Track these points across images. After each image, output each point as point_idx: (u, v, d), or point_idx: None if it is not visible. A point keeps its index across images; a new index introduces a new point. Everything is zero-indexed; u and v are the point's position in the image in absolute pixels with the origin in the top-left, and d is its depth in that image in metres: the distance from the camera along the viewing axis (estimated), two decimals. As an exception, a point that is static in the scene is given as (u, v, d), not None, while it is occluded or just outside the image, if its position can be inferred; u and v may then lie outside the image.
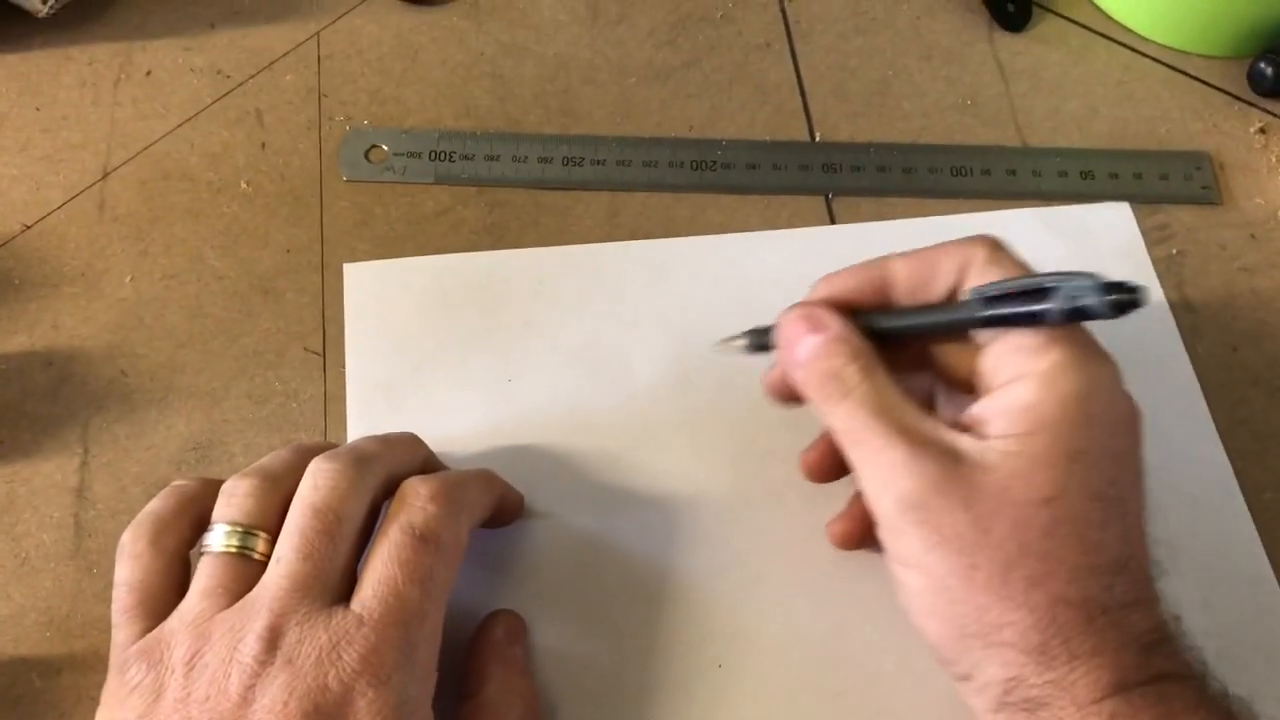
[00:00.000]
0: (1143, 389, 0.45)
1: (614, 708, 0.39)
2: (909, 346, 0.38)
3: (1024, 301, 0.33)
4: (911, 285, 0.37)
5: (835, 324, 0.36)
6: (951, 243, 0.36)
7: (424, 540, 0.33)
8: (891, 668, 0.40)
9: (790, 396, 0.40)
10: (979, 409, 0.34)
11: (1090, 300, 0.32)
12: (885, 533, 0.34)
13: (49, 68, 0.53)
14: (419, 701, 0.32)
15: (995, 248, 0.36)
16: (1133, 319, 0.47)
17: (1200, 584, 0.42)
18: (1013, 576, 0.31)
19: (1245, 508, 0.44)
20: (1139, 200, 0.51)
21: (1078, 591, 0.31)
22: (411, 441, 0.39)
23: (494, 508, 0.39)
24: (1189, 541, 0.43)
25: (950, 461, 0.32)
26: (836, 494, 0.41)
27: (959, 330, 0.35)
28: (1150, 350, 0.47)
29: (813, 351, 0.36)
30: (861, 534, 0.40)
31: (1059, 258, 0.49)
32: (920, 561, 0.33)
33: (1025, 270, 0.35)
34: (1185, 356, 0.47)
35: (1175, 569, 0.42)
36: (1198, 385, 0.46)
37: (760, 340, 0.40)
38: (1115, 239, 0.50)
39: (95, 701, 0.33)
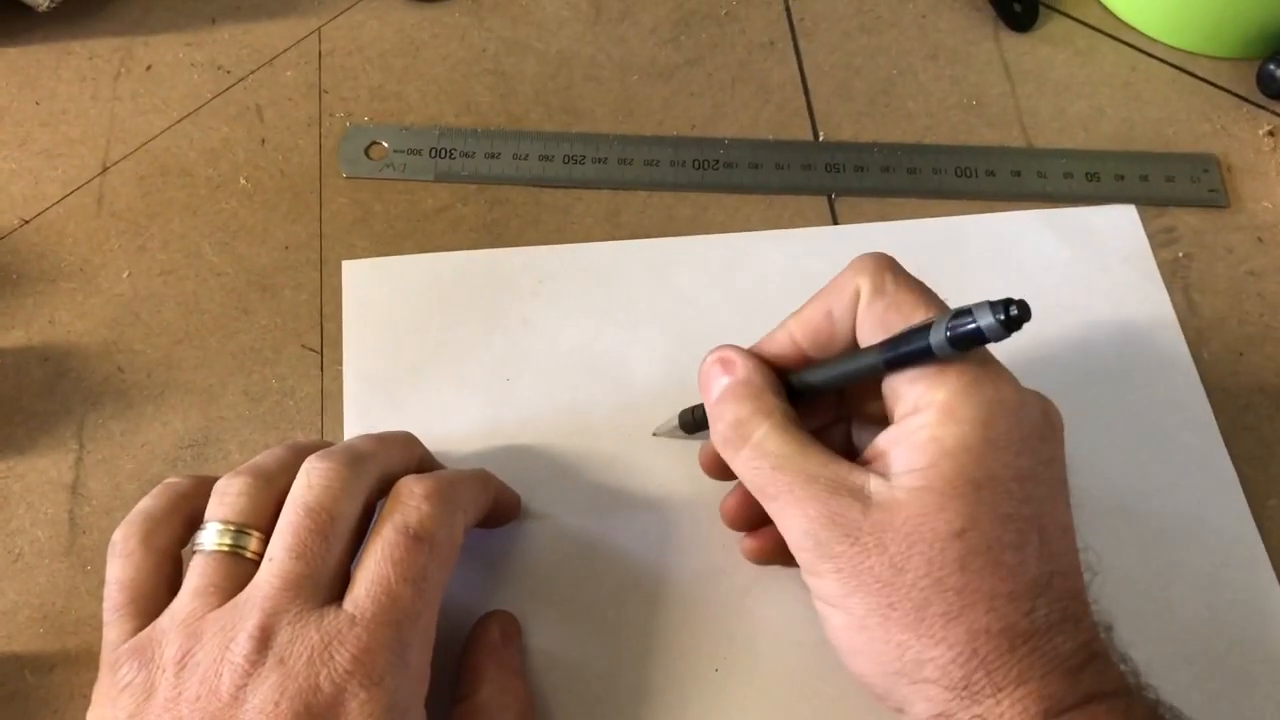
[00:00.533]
0: (1147, 393, 0.46)
1: (610, 711, 0.39)
2: (825, 394, 0.37)
3: (915, 339, 0.32)
4: (813, 342, 0.36)
5: (743, 367, 0.36)
6: (837, 280, 0.36)
7: (418, 539, 0.33)
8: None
9: (723, 470, 0.39)
10: (883, 441, 0.33)
11: (976, 323, 0.31)
12: (806, 575, 0.34)
13: (49, 62, 0.53)
14: (412, 702, 0.32)
15: (879, 272, 0.35)
16: (1137, 323, 0.47)
17: (1204, 590, 0.42)
18: (929, 613, 0.31)
19: (1249, 513, 0.43)
20: (1145, 202, 0.51)
21: (997, 621, 0.31)
22: (407, 440, 0.39)
23: (490, 508, 0.39)
24: (1192, 547, 0.42)
25: (859, 505, 0.32)
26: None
27: (868, 376, 0.35)
28: (1155, 355, 0.47)
29: (717, 395, 0.36)
30: (774, 550, 0.40)
31: (1064, 260, 0.49)
32: (841, 603, 0.33)
33: (911, 287, 0.34)
34: (1190, 361, 0.47)
35: (1178, 575, 0.42)
36: (1203, 390, 0.46)
37: (690, 417, 0.41)
38: (1121, 241, 0.50)
39: (88, 699, 0.33)
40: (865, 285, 0.35)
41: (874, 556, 0.31)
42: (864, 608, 0.32)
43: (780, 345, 0.37)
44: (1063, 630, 0.31)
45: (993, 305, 0.31)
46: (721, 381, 0.36)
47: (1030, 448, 0.33)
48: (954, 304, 0.33)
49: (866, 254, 0.36)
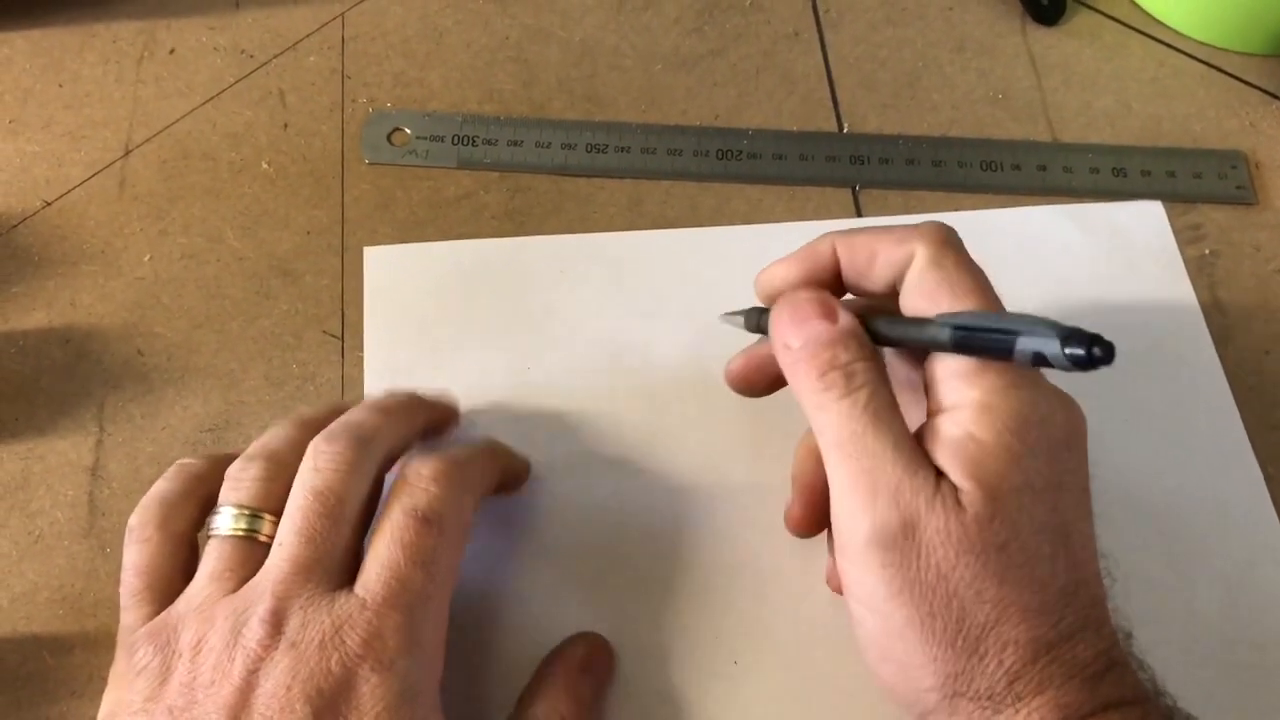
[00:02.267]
0: (1172, 392, 0.45)
1: (627, 702, 0.39)
2: None
3: (996, 338, 0.31)
4: (849, 272, 0.36)
5: (849, 318, 0.34)
6: (897, 230, 0.35)
7: (426, 522, 0.33)
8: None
9: (754, 384, 0.39)
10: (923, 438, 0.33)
11: (1061, 351, 0.29)
12: (849, 564, 0.32)
13: (73, 44, 0.53)
14: (424, 685, 0.32)
15: (941, 245, 0.34)
16: (1162, 319, 0.47)
17: (1227, 590, 0.41)
18: (965, 625, 0.30)
19: (1275, 512, 0.43)
20: (1171, 199, 0.50)
21: (1026, 632, 0.30)
22: (411, 407, 0.39)
23: (499, 480, 0.39)
24: (1216, 547, 0.42)
25: (927, 499, 0.31)
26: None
27: (925, 346, 0.33)
28: (1180, 353, 0.46)
29: (823, 337, 0.34)
30: (819, 519, 0.39)
31: (1089, 256, 0.48)
32: (881, 606, 0.31)
33: (970, 270, 0.33)
34: (1216, 360, 0.46)
35: (1202, 575, 0.41)
36: (1228, 389, 0.45)
37: (758, 320, 0.39)
38: (1147, 238, 0.49)
39: (106, 680, 0.33)
40: (923, 252, 0.34)
41: (923, 558, 0.31)
42: (903, 616, 0.31)
43: (807, 268, 0.36)
44: (1084, 638, 0.31)
45: (1077, 339, 0.29)
46: (822, 325, 0.34)
47: (1058, 455, 0.32)
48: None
49: (935, 222, 0.35)
